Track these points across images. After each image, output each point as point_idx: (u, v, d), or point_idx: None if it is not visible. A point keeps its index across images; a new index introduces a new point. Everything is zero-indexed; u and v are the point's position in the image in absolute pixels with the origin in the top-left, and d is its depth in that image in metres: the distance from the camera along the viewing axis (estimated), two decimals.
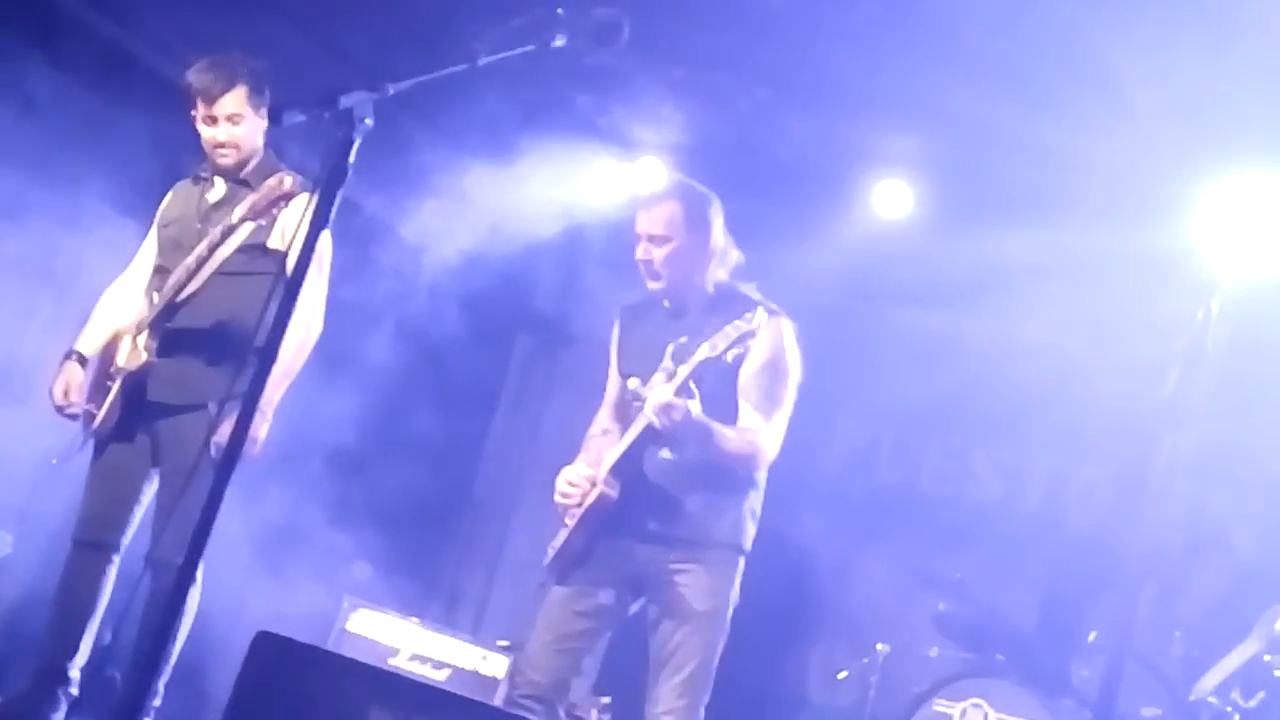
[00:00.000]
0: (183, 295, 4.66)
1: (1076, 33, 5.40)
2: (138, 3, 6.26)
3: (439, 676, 6.11)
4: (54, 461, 4.81)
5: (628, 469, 4.43)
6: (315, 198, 3.30)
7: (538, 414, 8.50)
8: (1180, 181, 5.85)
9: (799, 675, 7.70)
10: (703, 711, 4.44)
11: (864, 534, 7.67)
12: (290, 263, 3.31)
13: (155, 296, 4.72)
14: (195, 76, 4.76)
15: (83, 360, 4.79)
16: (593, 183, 7.00)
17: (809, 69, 6.29)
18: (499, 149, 6.44)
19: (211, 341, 4.63)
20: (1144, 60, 5.40)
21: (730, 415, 4.42)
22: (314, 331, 4.78)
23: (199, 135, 4.81)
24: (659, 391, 4.27)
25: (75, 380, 4.76)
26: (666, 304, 4.62)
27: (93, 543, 4.69)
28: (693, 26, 6.12)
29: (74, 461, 4.77)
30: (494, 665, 6.14)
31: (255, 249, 4.67)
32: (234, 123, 4.75)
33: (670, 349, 4.37)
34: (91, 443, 4.76)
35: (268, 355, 3.25)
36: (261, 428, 4.54)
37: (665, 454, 4.45)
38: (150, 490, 4.72)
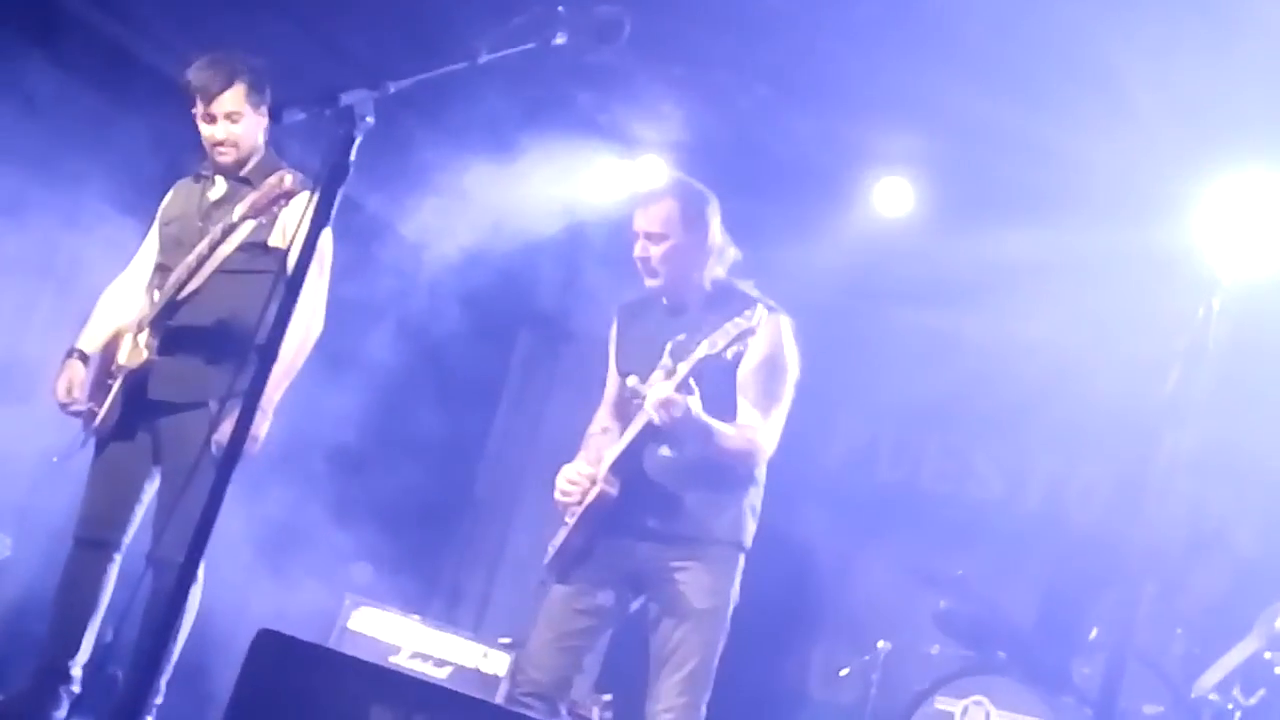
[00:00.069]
0: (184, 293, 4.66)
1: (1077, 31, 5.41)
2: (139, 1, 6.26)
3: (440, 674, 6.11)
4: (55, 460, 4.81)
5: (628, 467, 4.43)
6: (316, 196, 3.30)
7: (539, 411, 8.50)
8: (1181, 180, 5.84)
9: (800, 673, 7.71)
10: (704, 709, 4.44)
11: (865, 532, 7.67)
12: (291, 261, 3.31)
13: (156, 295, 4.72)
14: (194, 74, 4.76)
15: (84, 358, 4.80)
16: (593, 180, 7.00)
17: (810, 67, 6.29)
18: (500, 147, 6.44)
19: (212, 340, 4.63)
20: (1145, 59, 5.40)
21: (729, 413, 4.42)
22: (315, 330, 4.78)
23: (200, 133, 4.81)
24: (659, 389, 4.27)
25: (78, 378, 4.76)
26: (665, 302, 4.62)
27: (94, 541, 4.69)
28: (693, 24, 6.12)
29: (75, 460, 4.78)
30: (495, 663, 6.14)
31: (256, 247, 4.67)
32: (233, 121, 4.75)
33: (669, 347, 4.37)
34: (92, 441, 4.76)
35: (268, 353, 3.25)
36: (262, 426, 4.54)
37: (665, 451, 4.45)
38: (151, 488, 4.73)
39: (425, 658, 6.17)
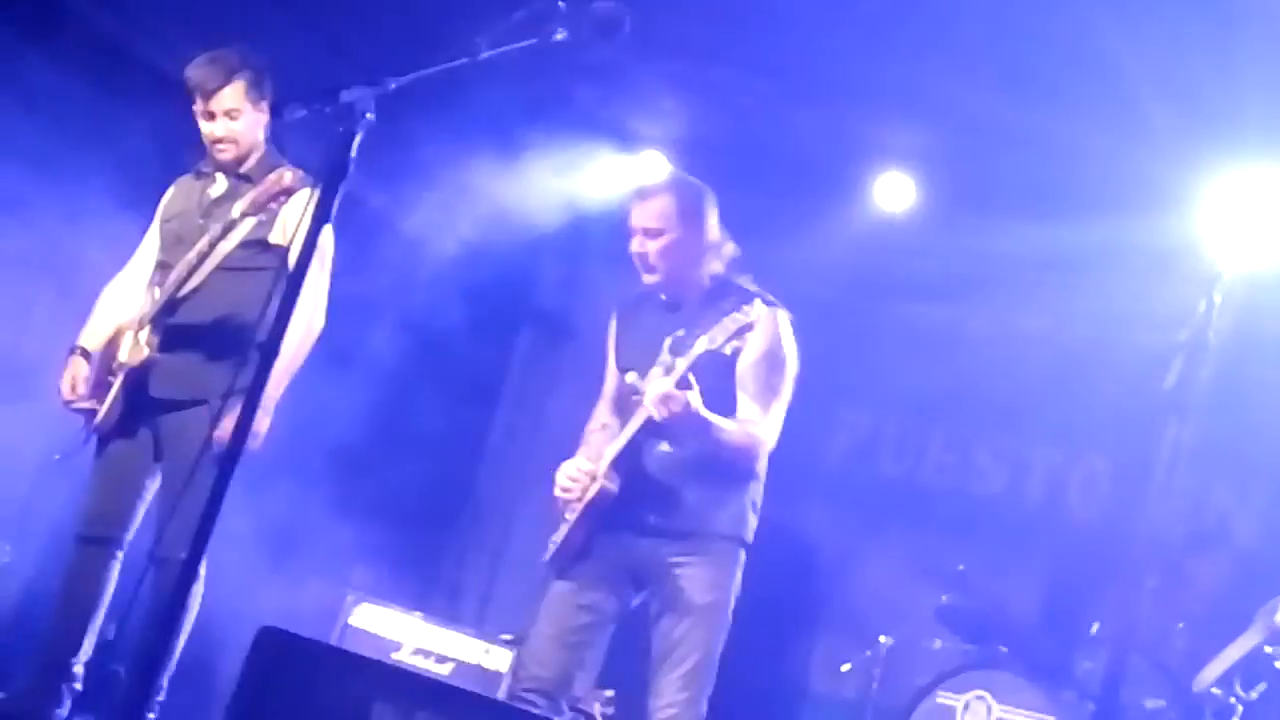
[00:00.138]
0: (184, 290, 4.66)
1: (1079, 25, 5.40)
2: None
3: (442, 671, 6.11)
4: (56, 458, 4.81)
5: (627, 463, 4.43)
6: (317, 192, 3.30)
7: (540, 407, 8.50)
8: (1183, 173, 5.85)
9: (802, 668, 7.71)
10: (705, 704, 4.43)
11: (867, 527, 7.67)
12: (292, 258, 3.31)
13: (157, 292, 4.72)
14: (193, 71, 4.76)
15: (87, 355, 4.79)
16: (594, 176, 6.99)
17: (811, 62, 6.28)
18: (501, 143, 6.44)
19: (213, 337, 4.62)
20: (1147, 53, 5.40)
21: (729, 408, 4.41)
22: (316, 326, 4.78)
23: (200, 130, 4.81)
24: (658, 384, 4.27)
25: (82, 374, 4.75)
26: (663, 298, 4.62)
27: (96, 539, 4.69)
28: (694, 20, 6.11)
29: (76, 458, 4.78)
30: (497, 659, 6.15)
31: (257, 244, 4.67)
32: (232, 117, 4.75)
33: (668, 342, 4.37)
34: (94, 439, 4.76)
35: (269, 350, 3.25)
36: (262, 422, 4.53)
37: (664, 447, 4.45)
38: (153, 486, 4.73)
39: (427, 654, 6.17)
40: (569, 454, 4.66)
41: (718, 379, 4.36)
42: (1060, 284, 7.04)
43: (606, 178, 7.05)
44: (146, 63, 6.22)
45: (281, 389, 4.65)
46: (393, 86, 3.36)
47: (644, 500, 4.43)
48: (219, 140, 4.77)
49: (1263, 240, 4.45)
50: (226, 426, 3.58)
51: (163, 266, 4.79)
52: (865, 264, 7.41)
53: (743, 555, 4.52)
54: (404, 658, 6.12)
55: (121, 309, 4.83)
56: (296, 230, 3.40)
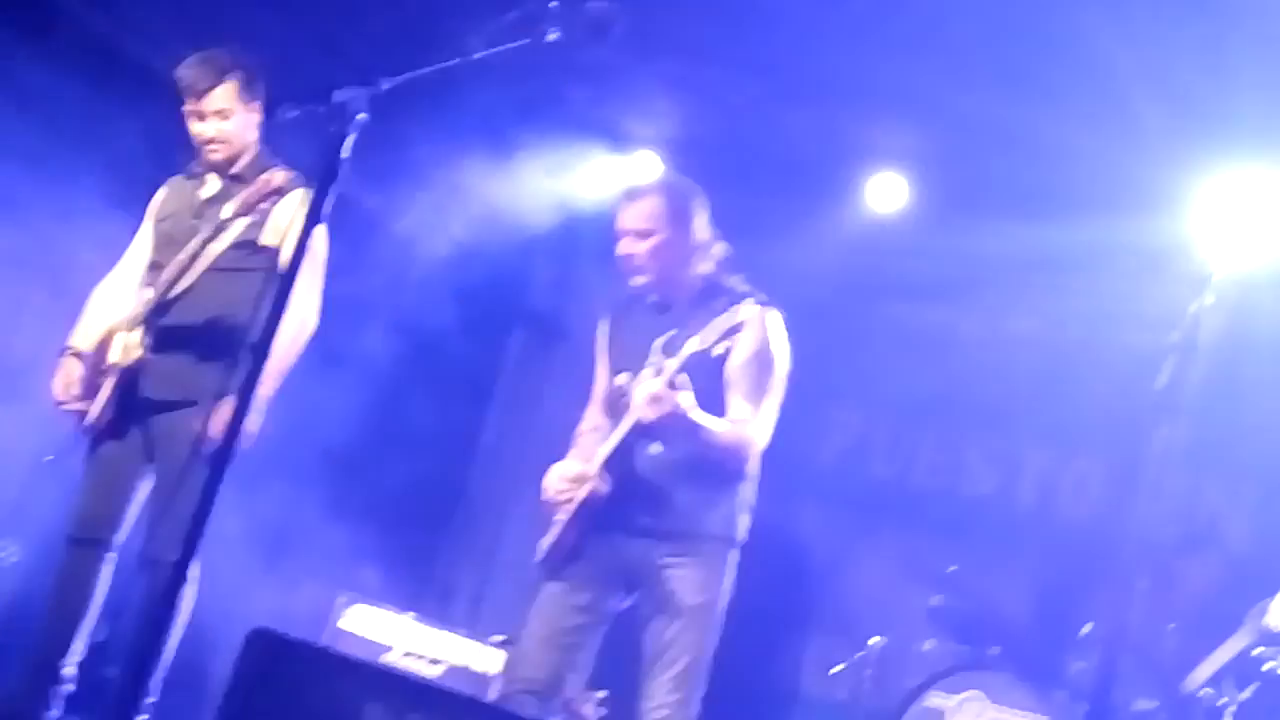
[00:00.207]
0: (175, 291, 4.65)
1: (1071, 26, 5.41)
2: None
3: (434, 672, 6.11)
4: (48, 459, 4.80)
5: (618, 464, 4.43)
6: (309, 193, 3.30)
7: (532, 408, 8.49)
8: (1174, 174, 5.85)
9: (793, 669, 7.70)
10: (697, 706, 4.44)
11: (858, 528, 7.66)
12: (284, 258, 3.30)
13: (148, 293, 4.71)
14: (185, 71, 4.75)
15: (79, 355, 4.78)
16: (587, 177, 6.99)
17: (803, 62, 6.29)
18: (493, 143, 6.44)
19: (205, 338, 4.62)
20: (1139, 54, 5.41)
21: (720, 409, 4.41)
22: (308, 327, 4.77)
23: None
24: (647, 385, 4.27)
25: (74, 374, 4.74)
26: (653, 299, 4.62)
27: (87, 540, 4.67)
28: (686, 20, 6.12)
29: (68, 458, 4.76)
30: (489, 661, 6.14)
31: (248, 245, 4.66)
32: (222, 118, 4.75)
33: (659, 344, 4.37)
34: (85, 440, 4.75)
35: (261, 351, 3.25)
36: (253, 421, 4.52)
37: (655, 448, 4.45)
38: (145, 487, 4.71)
39: (418, 656, 6.16)
40: (561, 455, 4.66)
41: (709, 380, 4.36)
42: (1051, 285, 7.04)
43: (599, 178, 7.05)
44: (138, 63, 6.21)
45: (271, 389, 4.64)
46: (385, 87, 3.36)
47: (635, 501, 4.43)
48: (210, 141, 4.76)
49: (1254, 241, 4.45)
50: (217, 423, 3.58)
51: (154, 267, 4.78)
52: (857, 264, 7.40)
53: (734, 556, 4.52)
54: (395, 659, 6.12)
55: (113, 309, 4.82)
56: (288, 231, 3.39)
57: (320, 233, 4.28)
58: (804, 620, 7.73)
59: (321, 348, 4.89)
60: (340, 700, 3.33)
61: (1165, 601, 5.99)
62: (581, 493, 4.43)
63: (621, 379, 4.48)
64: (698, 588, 4.42)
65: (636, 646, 4.49)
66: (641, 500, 4.43)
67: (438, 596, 8.10)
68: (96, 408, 4.67)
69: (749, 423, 4.45)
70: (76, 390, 4.72)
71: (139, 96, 5.81)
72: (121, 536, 4.71)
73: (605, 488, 4.41)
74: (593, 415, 4.78)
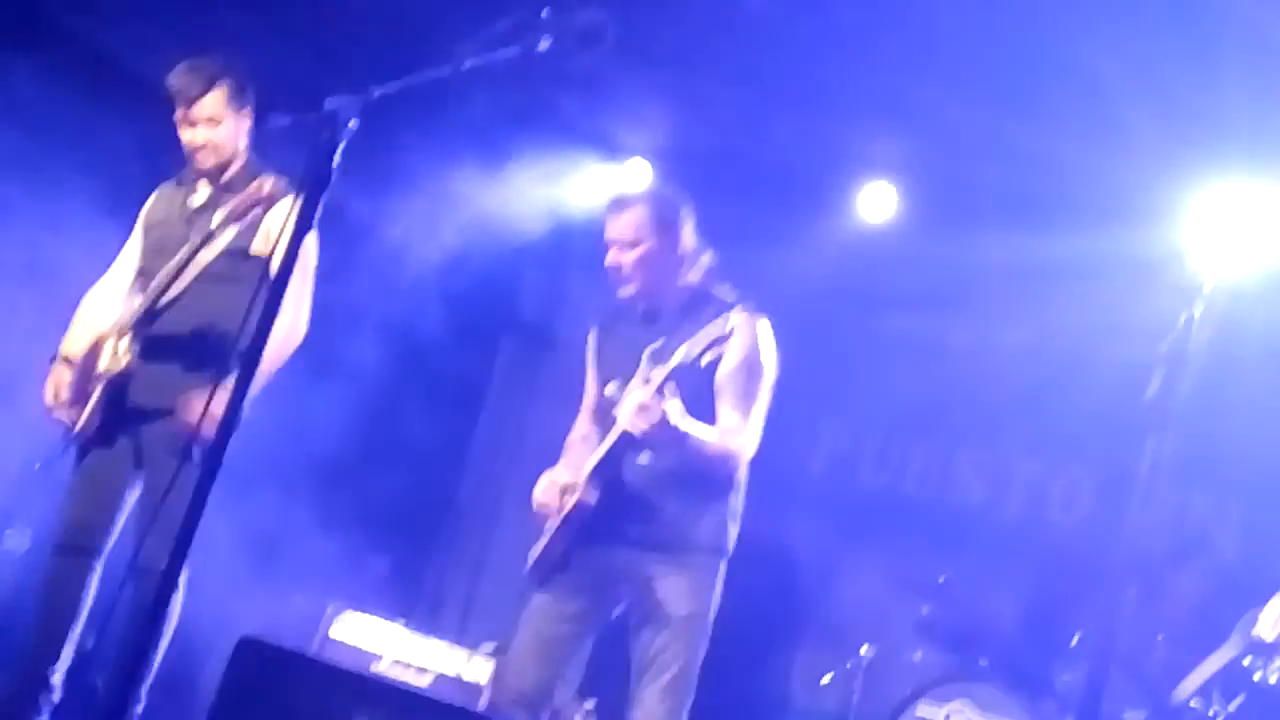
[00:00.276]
0: (165, 299, 4.64)
1: (1061, 37, 5.42)
2: (121, 5, 6.24)
3: (423, 682, 6.09)
4: (37, 466, 4.79)
5: (606, 474, 4.43)
6: (299, 201, 3.29)
7: (522, 418, 8.48)
8: (1164, 186, 5.86)
9: (782, 679, 7.70)
10: (686, 715, 4.43)
11: (847, 538, 7.66)
12: (274, 266, 3.30)
13: (137, 300, 4.70)
14: (175, 78, 4.75)
15: (69, 363, 4.77)
16: (578, 186, 6.99)
17: (794, 72, 6.29)
18: (484, 152, 6.44)
19: (194, 346, 4.61)
20: (1129, 66, 5.42)
21: (708, 418, 4.42)
22: (298, 334, 4.76)
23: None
24: (635, 395, 4.27)
25: (64, 382, 4.73)
26: (640, 309, 4.62)
27: (75, 548, 4.66)
28: (677, 30, 6.12)
29: (56, 466, 4.75)
30: (478, 670, 6.13)
31: (238, 253, 4.65)
32: (212, 125, 4.74)
33: (647, 353, 4.37)
34: (74, 448, 4.73)
35: (250, 360, 3.24)
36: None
37: (643, 459, 4.45)
38: (133, 495, 4.70)
39: (408, 665, 6.15)
40: (551, 463, 4.66)
41: (697, 389, 4.37)
42: (1042, 295, 7.05)
43: (590, 187, 7.05)
44: (129, 70, 6.20)
45: (256, 388, 4.62)
46: (377, 94, 3.35)
47: (623, 511, 4.43)
48: (200, 148, 4.76)
49: (1244, 252, 4.46)
50: (195, 409, 3.53)
51: (144, 274, 4.77)
52: (847, 274, 7.41)
53: (723, 566, 4.52)
54: (384, 669, 6.10)
55: (102, 317, 4.81)
56: (279, 239, 3.39)
57: (311, 240, 4.28)
58: (793, 630, 7.73)
59: (311, 355, 4.88)
60: (329, 710, 3.32)
61: (1154, 612, 5.99)
62: (570, 503, 4.43)
63: (611, 388, 4.47)
64: (686, 597, 4.42)
65: (626, 656, 4.49)
66: (630, 510, 4.43)
67: (428, 605, 8.09)
68: (85, 415, 4.66)
69: (737, 432, 4.46)
70: (66, 397, 4.71)
71: (129, 104, 5.80)
72: (109, 545, 4.70)
73: (594, 497, 4.41)
74: (582, 424, 4.77)
